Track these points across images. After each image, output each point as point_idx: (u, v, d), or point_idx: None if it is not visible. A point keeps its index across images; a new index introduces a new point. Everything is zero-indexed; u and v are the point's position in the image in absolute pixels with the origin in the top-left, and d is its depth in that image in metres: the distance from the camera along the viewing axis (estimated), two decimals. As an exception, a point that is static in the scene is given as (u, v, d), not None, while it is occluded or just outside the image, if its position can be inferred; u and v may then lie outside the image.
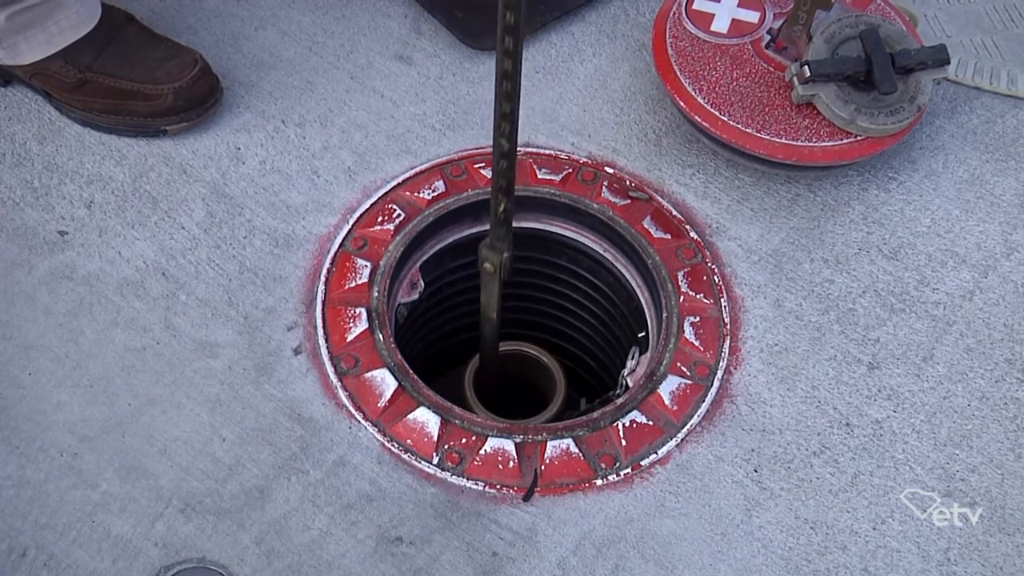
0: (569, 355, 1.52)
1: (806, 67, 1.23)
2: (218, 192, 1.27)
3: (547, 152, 1.34)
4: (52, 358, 1.13)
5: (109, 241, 1.22)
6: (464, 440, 1.11)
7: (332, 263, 1.23)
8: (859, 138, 1.25)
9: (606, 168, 1.33)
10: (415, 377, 1.15)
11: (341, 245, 1.24)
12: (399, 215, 1.26)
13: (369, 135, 1.34)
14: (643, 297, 1.29)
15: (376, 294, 1.20)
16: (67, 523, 1.04)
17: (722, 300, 1.22)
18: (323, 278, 1.21)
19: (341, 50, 1.42)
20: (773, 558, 1.06)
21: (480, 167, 1.31)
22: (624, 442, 1.12)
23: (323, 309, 1.19)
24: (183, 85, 1.27)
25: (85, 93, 1.26)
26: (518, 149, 1.32)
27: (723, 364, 1.18)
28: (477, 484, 1.09)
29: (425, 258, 1.30)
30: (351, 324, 1.17)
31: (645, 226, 1.27)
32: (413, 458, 1.10)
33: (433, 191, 1.28)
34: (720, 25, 1.33)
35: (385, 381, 1.14)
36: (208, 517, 1.05)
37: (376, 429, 1.12)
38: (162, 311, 1.17)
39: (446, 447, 1.11)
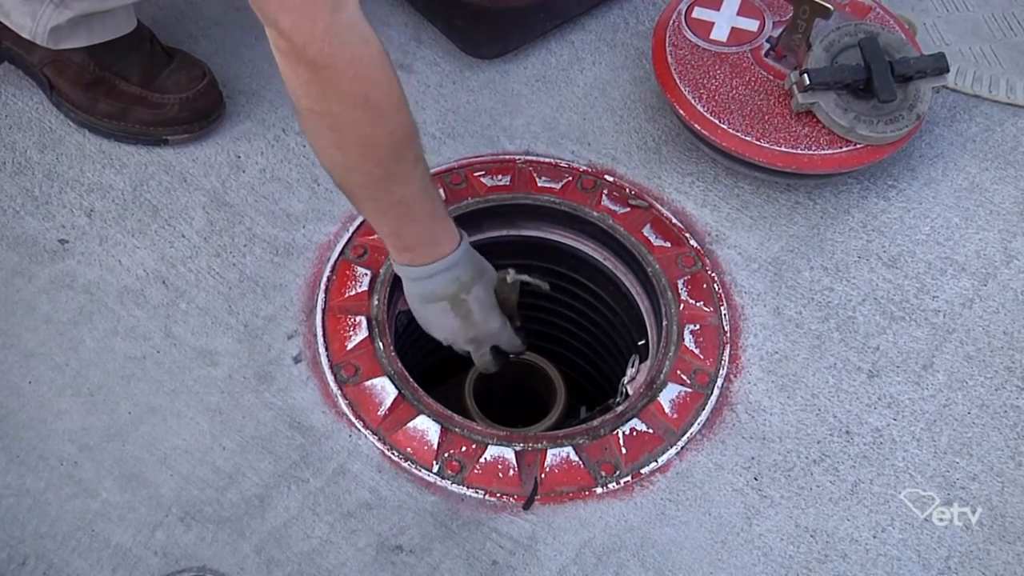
0: (569, 363, 1.52)
1: (805, 75, 1.23)
2: (218, 200, 1.27)
3: (547, 160, 1.34)
4: (52, 367, 1.13)
5: (109, 249, 1.22)
6: (464, 448, 1.11)
7: (332, 271, 1.23)
8: (858, 146, 1.25)
9: (606, 176, 1.33)
10: (415, 385, 1.15)
11: (341, 253, 1.24)
12: (399, 223, 1.26)
13: (369, 143, 1.34)
14: (643, 305, 1.29)
15: (376, 302, 1.20)
16: (67, 532, 1.04)
17: (722, 308, 1.22)
18: (323, 286, 1.21)
19: (341, 59, 1.42)
20: (773, 566, 1.06)
21: (480, 175, 1.31)
22: (624, 450, 1.12)
23: (323, 317, 1.19)
24: (189, 96, 1.27)
25: (95, 92, 1.26)
26: (517, 156, 1.33)
27: (723, 372, 1.18)
28: (477, 492, 1.09)
29: (425, 266, 1.30)
30: (351, 332, 1.17)
31: (645, 234, 1.27)
32: (413, 466, 1.10)
33: (433, 199, 1.28)
34: (720, 33, 1.34)
35: (385, 389, 1.14)
36: (208, 526, 1.05)
37: (376, 437, 1.11)
38: (162, 319, 1.17)
39: (446, 455, 1.11)
